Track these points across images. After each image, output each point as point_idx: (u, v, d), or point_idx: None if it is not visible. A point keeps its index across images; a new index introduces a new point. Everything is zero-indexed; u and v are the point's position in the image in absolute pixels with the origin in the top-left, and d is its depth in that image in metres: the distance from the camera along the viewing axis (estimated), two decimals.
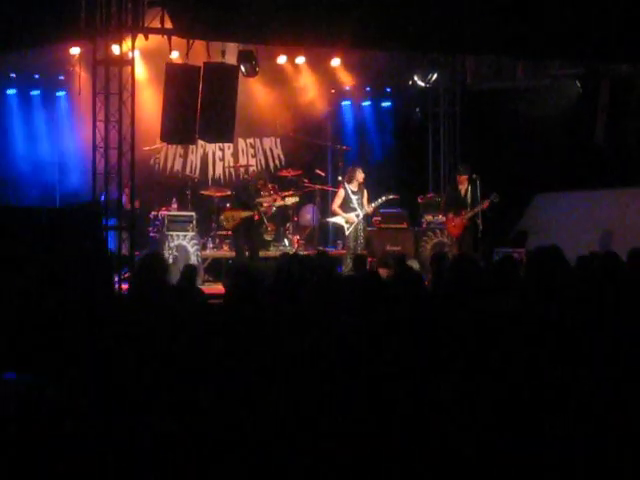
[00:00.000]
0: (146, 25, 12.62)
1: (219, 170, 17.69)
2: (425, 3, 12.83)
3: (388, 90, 18.58)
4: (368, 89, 18.36)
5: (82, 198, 14.06)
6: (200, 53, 13.34)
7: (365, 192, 14.89)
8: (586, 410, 4.87)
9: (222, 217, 15.32)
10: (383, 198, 15.06)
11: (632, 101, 15.69)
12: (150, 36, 12.75)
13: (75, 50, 14.61)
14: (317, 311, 6.37)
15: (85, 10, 12.54)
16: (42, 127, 16.69)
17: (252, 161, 17.80)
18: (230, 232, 15.38)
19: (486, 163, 15.38)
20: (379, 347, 5.36)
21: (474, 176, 14.83)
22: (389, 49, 15.00)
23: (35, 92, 16.70)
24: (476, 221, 14.70)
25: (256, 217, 15.06)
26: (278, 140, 18.08)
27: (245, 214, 14.95)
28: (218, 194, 16.05)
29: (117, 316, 6.32)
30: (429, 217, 16.56)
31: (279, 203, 15.52)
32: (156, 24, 12.58)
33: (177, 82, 13.24)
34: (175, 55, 13.56)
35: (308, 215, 16.94)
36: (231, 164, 17.60)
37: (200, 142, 15.86)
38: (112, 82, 12.65)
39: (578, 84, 16.20)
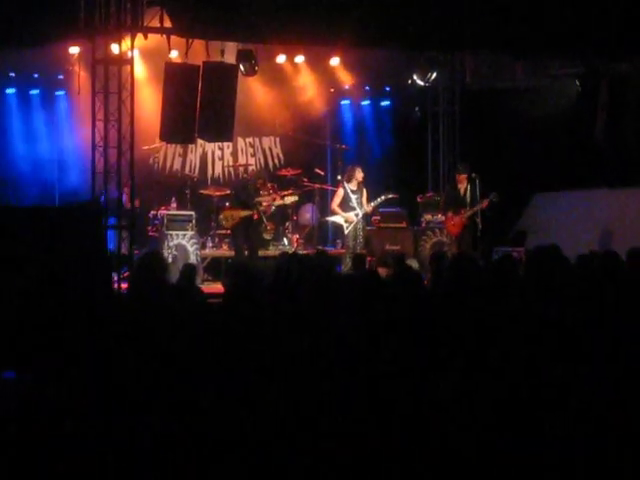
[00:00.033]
0: (145, 24, 12.61)
1: (218, 169, 17.68)
2: (425, 3, 12.84)
3: (387, 89, 18.57)
4: (367, 88, 18.34)
5: (81, 197, 14.06)
6: (199, 52, 13.34)
7: (364, 191, 14.89)
8: (586, 409, 4.87)
9: (221, 216, 15.32)
10: (382, 197, 15.06)
11: (631, 100, 15.69)
12: (149, 35, 12.74)
13: (74, 49, 14.59)
14: (316, 310, 6.37)
15: (84, 9, 12.54)
16: (41, 126, 16.68)
17: (251, 160, 17.78)
18: (229, 231, 15.38)
19: (485, 162, 15.38)
20: (378, 346, 5.37)
21: (473, 175, 14.83)
22: (389, 48, 15.01)
23: (34, 91, 16.68)
24: (475, 220, 14.71)
25: (255, 216, 15.05)
26: (277, 139, 18.07)
27: (244, 213, 14.95)
28: (217, 193, 16.05)
29: (116, 315, 6.32)
30: (428, 216, 16.55)
31: (278, 202, 15.51)
32: (155, 23, 12.57)
33: (176, 81, 13.24)
34: (174, 54, 13.56)
35: (307, 214, 16.94)
36: (230, 163, 17.59)
37: (199, 141, 15.86)
38: (111, 81, 12.65)
39: (577, 83, 16.20)
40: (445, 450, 4.61)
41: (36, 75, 16.34)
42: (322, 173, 16.88)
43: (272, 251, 15.71)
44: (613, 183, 15.53)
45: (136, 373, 5.18)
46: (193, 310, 6.64)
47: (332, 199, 15.26)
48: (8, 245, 7.99)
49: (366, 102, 18.75)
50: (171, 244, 14.66)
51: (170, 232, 14.77)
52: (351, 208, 14.73)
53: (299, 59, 16.47)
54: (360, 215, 14.75)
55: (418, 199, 17.01)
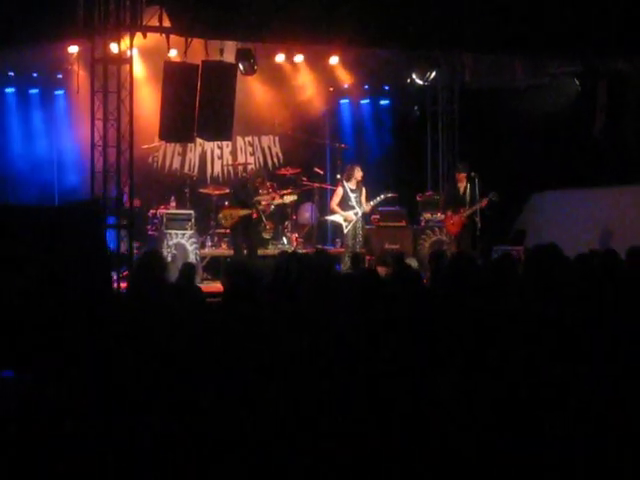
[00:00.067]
0: (144, 23, 12.60)
1: (217, 168, 17.68)
2: (425, 2, 12.85)
3: (386, 88, 18.57)
4: (366, 87, 18.34)
5: (80, 196, 14.07)
6: (198, 51, 13.34)
7: (363, 190, 14.89)
8: (585, 408, 4.87)
9: (221, 215, 15.31)
10: (382, 196, 15.07)
11: (630, 99, 15.69)
12: (148, 34, 12.74)
13: (73, 48, 14.59)
14: (316, 309, 6.37)
15: (83, 8, 12.54)
16: (40, 125, 16.69)
17: (250, 159, 17.78)
18: (228, 230, 15.38)
19: (485, 161, 15.40)
20: (377, 345, 5.36)
21: (473, 174, 14.85)
22: (388, 48, 15.02)
23: (33, 90, 16.70)
24: (474, 219, 14.72)
25: (254, 215, 15.05)
26: (276, 138, 18.07)
27: (243, 212, 14.94)
28: (217, 192, 16.05)
29: (116, 315, 6.32)
30: (427, 215, 16.56)
31: (277, 201, 15.52)
32: (154, 22, 12.57)
33: (175, 80, 13.24)
34: (173, 53, 13.55)
35: (307, 213, 16.94)
36: (229, 162, 17.59)
37: (198, 140, 15.85)
38: (110, 80, 12.65)
39: (577, 82, 16.20)
40: (445, 449, 4.61)
41: (35, 74, 16.35)
42: (321, 172, 16.88)
43: (271, 250, 15.72)
44: (612, 181, 15.54)
45: (136, 372, 5.18)
46: (192, 309, 6.64)
47: (331, 198, 15.25)
48: (8, 245, 7.98)
49: (365, 101, 18.76)
50: (170, 243, 14.66)
51: (169, 231, 14.76)
52: (350, 207, 14.73)
53: (298, 58, 16.46)
54: (359, 214, 14.76)
55: (417, 198, 17.01)
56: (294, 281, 7.50)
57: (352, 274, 9.88)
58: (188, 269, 9.95)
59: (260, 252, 15.32)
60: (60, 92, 16.56)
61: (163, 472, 4.57)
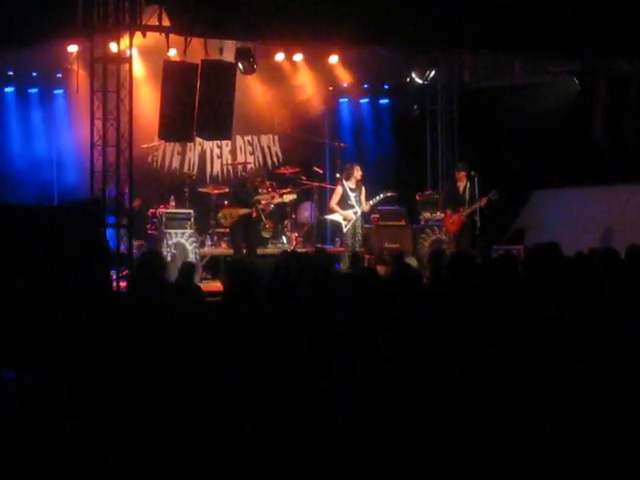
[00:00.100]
0: (144, 23, 12.60)
1: (217, 167, 17.67)
2: (425, 2, 12.85)
3: (386, 87, 18.58)
4: (366, 86, 18.34)
5: (80, 196, 14.05)
6: (198, 51, 13.34)
7: (363, 189, 14.90)
8: (585, 407, 4.87)
9: (220, 214, 15.32)
10: (381, 195, 15.08)
11: (630, 97, 15.69)
12: (148, 34, 12.72)
13: (73, 48, 14.58)
14: (315, 308, 6.37)
15: (83, 8, 12.54)
16: (40, 125, 16.69)
17: (250, 158, 17.78)
18: (228, 229, 15.37)
19: (484, 160, 15.40)
20: (377, 344, 5.36)
21: (472, 173, 14.85)
22: (388, 47, 15.02)
23: (33, 90, 16.69)
24: (474, 218, 14.73)
25: (254, 214, 15.06)
26: (276, 137, 18.06)
27: (243, 211, 14.95)
28: (216, 191, 16.04)
29: (116, 314, 6.32)
30: (427, 214, 16.55)
31: (277, 200, 15.53)
32: (154, 21, 12.57)
33: (175, 80, 13.24)
34: (173, 53, 13.53)
35: (306, 212, 16.94)
36: (229, 161, 17.58)
37: (198, 139, 15.84)
38: (110, 80, 12.65)
39: (576, 81, 16.20)
40: (444, 449, 4.61)
41: (35, 74, 16.34)
42: (321, 171, 16.88)
43: (271, 249, 15.73)
44: (612, 180, 15.55)
45: (136, 372, 5.18)
46: (192, 308, 6.64)
47: (331, 197, 15.26)
48: (8, 245, 7.98)
49: (365, 100, 18.76)
50: (170, 242, 14.65)
51: (169, 230, 14.76)
52: (350, 206, 14.74)
53: (298, 57, 16.45)
54: (359, 213, 14.77)
55: (417, 197, 17.01)
56: (294, 280, 7.51)
57: (351, 273, 9.89)
58: (188, 268, 9.94)
59: (260, 251, 15.33)
60: (59, 91, 16.56)
61: (163, 472, 4.57)
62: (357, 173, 14.82)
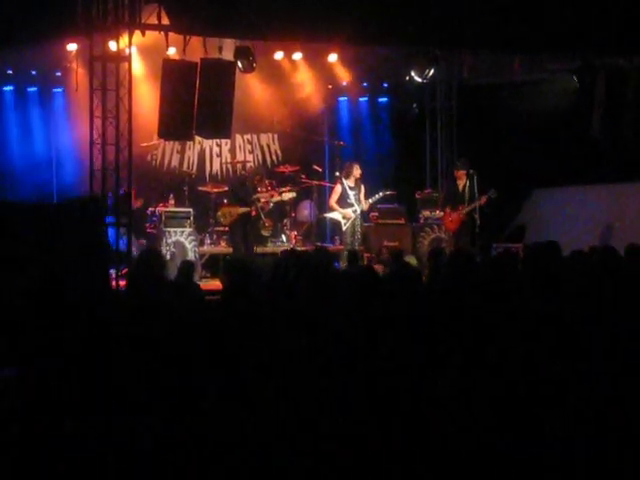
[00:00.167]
0: (143, 21, 12.59)
1: (216, 166, 17.66)
2: (425, 2, 12.85)
3: (385, 86, 18.57)
4: (365, 85, 18.34)
5: (79, 194, 14.03)
6: (197, 49, 13.33)
7: (362, 188, 14.91)
8: (584, 405, 4.88)
9: (219, 213, 15.32)
10: (380, 194, 15.09)
11: (628, 94, 15.68)
12: (147, 32, 12.71)
13: (72, 46, 14.57)
14: (314, 307, 6.38)
15: (82, 6, 12.55)
16: (39, 124, 16.68)
17: (249, 157, 17.77)
18: (227, 228, 15.37)
19: (484, 158, 15.39)
20: (376, 343, 5.37)
21: (471, 171, 14.85)
22: (388, 46, 15.02)
23: (32, 88, 16.69)
24: (474, 216, 14.73)
25: (253, 213, 15.06)
26: (275, 136, 18.05)
27: (242, 210, 14.95)
28: (215, 190, 16.03)
29: (115, 313, 6.32)
30: (426, 213, 16.56)
31: (276, 199, 15.53)
32: (153, 20, 12.56)
33: (174, 78, 13.23)
34: (172, 51, 13.52)
35: (305, 211, 16.93)
36: (228, 160, 17.57)
37: (197, 138, 15.82)
38: (109, 78, 12.65)
39: (575, 78, 16.18)
40: (443, 447, 4.61)
41: (34, 72, 16.33)
42: (320, 170, 16.88)
43: (270, 248, 15.72)
44: (611, 178, 15.54)
45: (135, 371, 5.18)
46: (191, 307, 6.65)
47: (330, 196, 15.26)
48: (8, 245, 7.99)
49: (364, 99, 18.75)
50: (169, 241, 14.65)
51: (168, 229, 14.75)
52: (349, 205, 14.74)
53: (297, 56, 16.43)
54: (358, 211, 14.77)
55: (416, 195, 17.02)
56: (293, 279, 7.51)
57: (350, 271, 9.89)
58: (187, 267, 9.94)
59: (259, 250, 15.32)
60: (59, 90, 16.55)
61: (163, 472, 4.57)
62: (356, 171, 14.82)
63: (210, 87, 13.41)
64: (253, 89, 16.52)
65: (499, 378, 5.04)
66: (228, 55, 14.23)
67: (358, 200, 14.76)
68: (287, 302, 6.78)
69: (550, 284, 6.40)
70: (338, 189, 14.91)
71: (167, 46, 13.06)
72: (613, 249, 7.54)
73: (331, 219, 15.65)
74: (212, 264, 15.47)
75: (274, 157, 18.06)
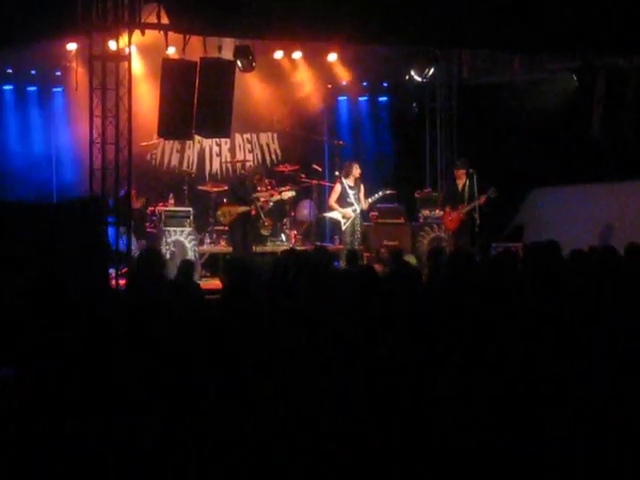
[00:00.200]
0: (142, 20, 12.59)
1: (216, 165, 17.66)
2: (425, 2, 12.85)
3: (385, 85, 18.57)
4: (365, 84, 18.34)
5: (79, 194, 14.04)
6: (197, 48, 13.33)
7: (362, 187, 14.90)
8: (584, 405, 4.88)
9: (219, 212, 15.32)
10: (380, 193, 15.08)
11: (628, 94, 15.68)
12: (146, 31, 12.71)
13: (72, 46, 14.59)
14: (314, 306, 6.38)
15: (82, 5, 12.54)
16: (39, 123, 16.68)
17: (249, 156, 17.76)
18: (227, 227, 15.37)
19: (483, 157, 15.39)
20: (376, 342, 5.37)
21: (471, 170, 14.85)
22: (388, 46, 15.02)
23: (32, 88, 16.69)
24: (473, 215, 14.72)
25: (253, 212, 15.06)
26: (275, 135, 18.04)
27: (242, 209, 14.94)
28: (215, 189, 16.03)
29: (115, 312, 6.33)
30: (426, 212, 16.56)
31: (276, 198, 15.52)
32: (152, 19, 12.56)
33: (174, 77, 13.23)
34: (172, 50, 13.53)
35: (305, 210, 16.93)
36: (228, 159, 17.56)
37: (197, 137, 15.82)
38: (109, 77, 12.65)
39: (574, 77, 16.18)
40: (443, 446, 4.61)
41: (33, 72, 16.33)
42: (320, 169, 16.88)
43: (270, 247, 15.72)
44: (610, 178, 15.55)
45: (135, 370, 5.18)
46: (191, 306, 6.65)
47: (330, 195, 15.25)
48: (8, 244, 7.99)
49: (363, 98, 18.75)
50: (169, 240, 14.64)
51: (168, 228, 14.75)
52: (349, 204, 14.74)
53: (296, 55, 16.45)
54: (358, 211, 14.76)
55: (416, 195, 17.02)
56: (292, 278, 7.50)
57: (350, 271, 9.88)
58: (187, 266, 9.93)
59: (259, 249, 15.32)
60: (58, 89, 16.55)
61: (163, 472, 4.57)
62: (356, 171, 14.81)
63: (210, 86, 13.41)
64: (253, 88, 16.53)
65: (499, 377, 5.04)
66: (228, 54, 14.24)
67: (358, 199, 14.75)
68: (287, 301, 6.78)
69: (550, 283, 6.40)
70: (338, 188, 14.90)
71: (167, 45, 13.06)
72: (613, 248, 7.54)
73: (331, 218, 15.63)
74: (212, 263, 15.46)
75: (274, 156, 18.06)
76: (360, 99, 18.72)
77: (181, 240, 14.72)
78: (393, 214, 16.38)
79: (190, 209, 15.12)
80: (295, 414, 4.80)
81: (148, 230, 15.29)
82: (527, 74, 16.88)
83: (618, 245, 7.86)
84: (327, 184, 16.63)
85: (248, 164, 17.00)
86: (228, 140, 17.14)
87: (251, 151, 17.93)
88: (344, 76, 17.33)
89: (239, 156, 17.55)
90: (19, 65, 15.86)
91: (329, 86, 17.82)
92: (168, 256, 14.08)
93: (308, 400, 4.88)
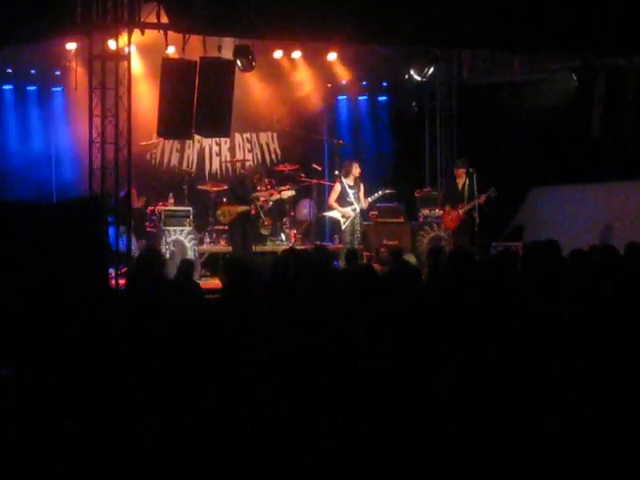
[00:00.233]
0: (142, 20, 12.60)
1: (216, 165, 17.66)
2: (425, 2, 12.85)
3: (384, 84, 18.57)
4: (364, 83, 18.35)
5: (79, 193, 14.04)
6: (196, 48, 13.33)
7: (362, 186, 14.89)
8: (584, 404, 4.88)
9: (219, 212, 15.32)
10: (380, 192, 15.08)
11: (628, 94, 15.69)
12: (146, 31, 12.72)
13: (71, 45, 14.59)
14: (314, 306, 6.37)
15: (81, 5, 12.54)
16: (38, 123, 16.67)
17: (249, 156, 17.76)
18: (227, 227, 15.37)
19: (483, 157, 15.39)
20: (375, 341, 5.37)
21: (471, 170, 14.85)
22: (388, 46, 15.01)
23: (31, 87, 16.68)
24: (473, 215, 14.72)
25: (253, 211, 15.06)
26: (275, 135, 18.04)
27: (242, 209, 14.94)
28: (215, 189, 16.02)
29: (115, 313, 6.32)
30: (426, 211, 16.57)
31: (276, 197, 15.52)
32: (152, 19, 12.57)
33: (173, 77, 13.23)
34: (171, 50, 13.52)
35: (305, 209, 16.93)
36: (228, 159, 17.56)
37: (197, 137, 15.82)
38: (108, 77, 12.64)
39: (574, 77, 16.19)
40: (442, 445, 4.61)
41: (33, 71, 16.33)
42: (319, 168, 16.88)
43: (269, 246, 15.72)
44: (610, 177, 15.55)
45: (135, 370, 5.18)
46: (191, 306, 6.65)
47: (329, 194, 15.25)
48: (7, 244, 7.99)
49: (363, 97, 18.75)
50: (169, 240, 14.64)
51: (168, 228, 14.75)
52: (348, 203, 14.73)
53: (296, 54, 16.46)
54: (357, 210, 14.76)
55: (416, 194, 17.03)
56: (292, 277, 7.50)
57: (350, 270, 9.88)
58: (186, 266, 9.94)
59: (258, 248, 15.32)
60: (58, 89, 16.55)
61: (163, 472, 4.57)
62: (356, 170, 14.81)
63: (209, 86, 13.41)
64: (252, 88, 16.53)
65: (498, 377, 5.04)
66: (227, 54, 14.23)
67: (357, 199, 14.75)
68: (286, 301, 6.78)
69: (550, 283, 6.40)
70: (337, 188, 14.90)
71: (166, 45, 13.06)
72: (613, 248, 7.54)
73: (330, 218, 15.62)
74: (212, 263, 15.46)
75: (273, 156, 18.06)
76: (360, 98, 18.73)
77: (181, 239, 14.72)
78: (393, 213, 16.39)
79: (190, 209, 15.12)
80: (295, 414, 4.80)
81: (148, 230, 15.29)
82: (527, 74, 16.89)
83: (618, 245, 7.85)
84: (327, 183, 16.63)
85: (248, 163, 17.00)
86: (228, 140, 17.14)
87: (251, 150, 17.93)
88: (344, 75, 17.33)
89: (239, 155, 17.55)
90: (19, 65, 15.87)
91: (329, 85, 17.83)
92: (168, 256, 14.08)
93: (308, 400, 4.87)
